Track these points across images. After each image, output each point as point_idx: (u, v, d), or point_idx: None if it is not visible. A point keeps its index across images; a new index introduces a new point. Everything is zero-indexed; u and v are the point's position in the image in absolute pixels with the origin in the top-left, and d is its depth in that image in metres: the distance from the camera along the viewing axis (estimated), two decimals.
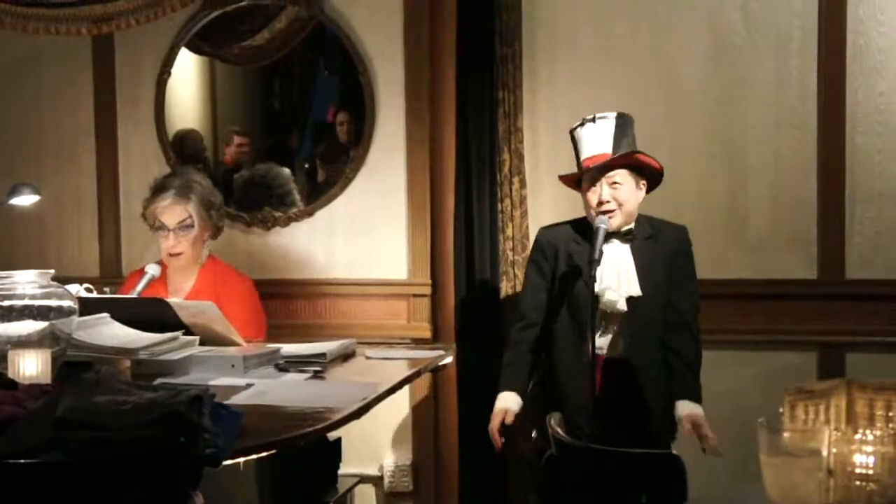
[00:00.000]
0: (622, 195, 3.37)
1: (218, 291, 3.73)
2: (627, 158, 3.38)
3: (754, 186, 4.09)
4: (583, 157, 3.40)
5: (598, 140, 3.38)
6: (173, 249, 3.73)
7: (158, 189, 3.77)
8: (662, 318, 3.38)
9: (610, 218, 3.34)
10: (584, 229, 3.47)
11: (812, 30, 4.02)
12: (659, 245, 3.42)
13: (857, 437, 1.84)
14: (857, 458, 1.82)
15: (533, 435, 3.51)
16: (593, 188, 3.38)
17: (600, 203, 3.36)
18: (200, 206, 3.74)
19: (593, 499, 2.58)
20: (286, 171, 4.41)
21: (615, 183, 3.37)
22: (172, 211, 3.72)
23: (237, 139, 4.55)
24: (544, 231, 3.58)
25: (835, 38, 3.99)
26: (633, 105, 4.02)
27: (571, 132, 3.47)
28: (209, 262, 3.85)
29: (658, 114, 4.09)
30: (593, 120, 3.39)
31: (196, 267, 3.80)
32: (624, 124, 3.40)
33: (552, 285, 3.47)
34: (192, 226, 3.72)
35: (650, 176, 3.44)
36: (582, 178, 3.44)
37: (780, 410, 1.88)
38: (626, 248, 3.40)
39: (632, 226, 3.43)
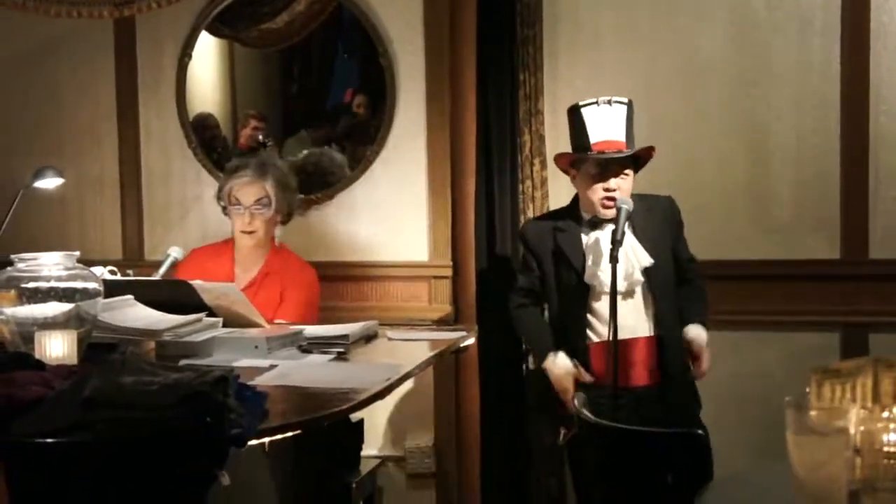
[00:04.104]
0: (625, 185, 3.39)
1: (284, 276, 3.74)
2: (648, 152, 3.40)
3: (777, 166, 4.06)
4: (593, 139, 3.38)
5: (611, 125, 3.37)
6: (248, 227, 3.72)
7: (236, 168, 3.79)
8: (675, 287, 3.42)
9: (611, 209, 3.36)
10: (568, 216, 3.51)
11: (835, 8, 3.98)
12: (654, 214, 3.46)
13: (885, 415, 1.83)
14: (885, 437, 1.81)
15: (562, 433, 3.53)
16: (602, 176, 3.38)
17: (608, 190, 3.36)
18: (277, 187, 3.74)
19: (617, 479, 2.58)
20: (339, 156, 4.39)
21: (625, 174, 3.39)
22: (250, 188, 3.71)
23: (253, 122, 4.56)
24: (528, 224, 3.61)
25: (858, 17, 3.95)
26: (654, 86, 4.03)
27: (577, 109, 3.43)
28: (280, 246, 3.85)
29: (679, 95, 4.07)
30: (609, 103, 3.38)
31: (266, 249, 3.79)
32: (632, 112, 3.41)
33: (542, 274, 3.49)
34: (268, 205, 3.71)
35: (641, 165, 3.49)
36: (579, 159, 3.44)
37: (807, 389, 1.87)
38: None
39: None
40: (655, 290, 3.37)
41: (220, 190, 3.81)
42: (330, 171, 4.33)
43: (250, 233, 3.72)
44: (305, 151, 4.40)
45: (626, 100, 3.41)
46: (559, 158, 3.55)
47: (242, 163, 3.81)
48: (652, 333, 3.39)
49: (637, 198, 3.45)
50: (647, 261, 3.36)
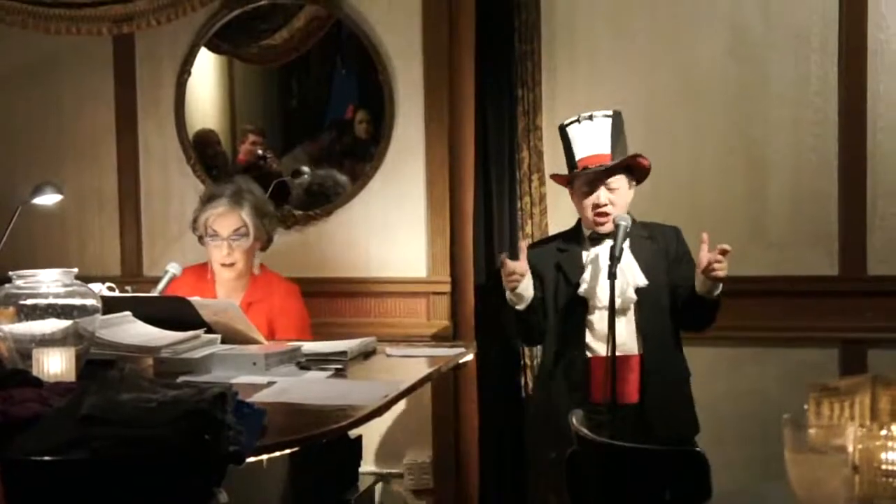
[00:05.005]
0: (618, 199, 3.38)
1: (270, 303, 3.67)
2: (630, 161, 3.39)
3: (774, 183, 4.07)
4: (578, 156, 3.39)
5: (594, 140, 3.37)
6: (226, 259, 3.62)
7: (210, 197, 3.68)
8: (669, 314, 3.39)
9: (605, 224, 3.36)
10: (569, 237, 3.51)
11: (833, 25, 4.00)
12: (657, 245, 3.44)
13: (883, 433, 1.83)
14: (883, 455, 1.81)
15: None
16: (591, 192, 3.38)
17: (597, 206, 3.36)
18: (254, 214, 3.64)
19: (616, 496, 2.57)
20: (343, 178, 4.39)
21: (613, 187, 3.38)
22: (226, 218, 3.62)
23: (251, 137, 4.57)
24: (533, 244, 3.60)
25: (855, 34, 3.97)
26: (652, 102, 4.05)
27: (564, 128, 3.44)
28: (260, 270, 3.76)
29: (677, 111, 4.09)
30: (590, 118, 3.38)
31: (247, 278, 3.71)
32: (619, 123, 3.40)
33: (542, 291, 3.45)
34: (246, 234, 3.62)
35: (640, 174, 3.46)
36: (571, 176, 3.43)
37: (805, 407, 1.87)
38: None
39: None
40: (647, 310, 3.36)
41: (195, 221, 3.71)
42: (334, 192, 4.34)
43: (230, 265, 3.64)
44: (307, 170, 4.40)
45: (610, 112, 3.40)
46: (555, 179, 3.57)
47: (217, 191, 3.70)
48: (643, 351, 3.38)
49: (641, 224, 3.45)
50: (642, 281, 3.36)
